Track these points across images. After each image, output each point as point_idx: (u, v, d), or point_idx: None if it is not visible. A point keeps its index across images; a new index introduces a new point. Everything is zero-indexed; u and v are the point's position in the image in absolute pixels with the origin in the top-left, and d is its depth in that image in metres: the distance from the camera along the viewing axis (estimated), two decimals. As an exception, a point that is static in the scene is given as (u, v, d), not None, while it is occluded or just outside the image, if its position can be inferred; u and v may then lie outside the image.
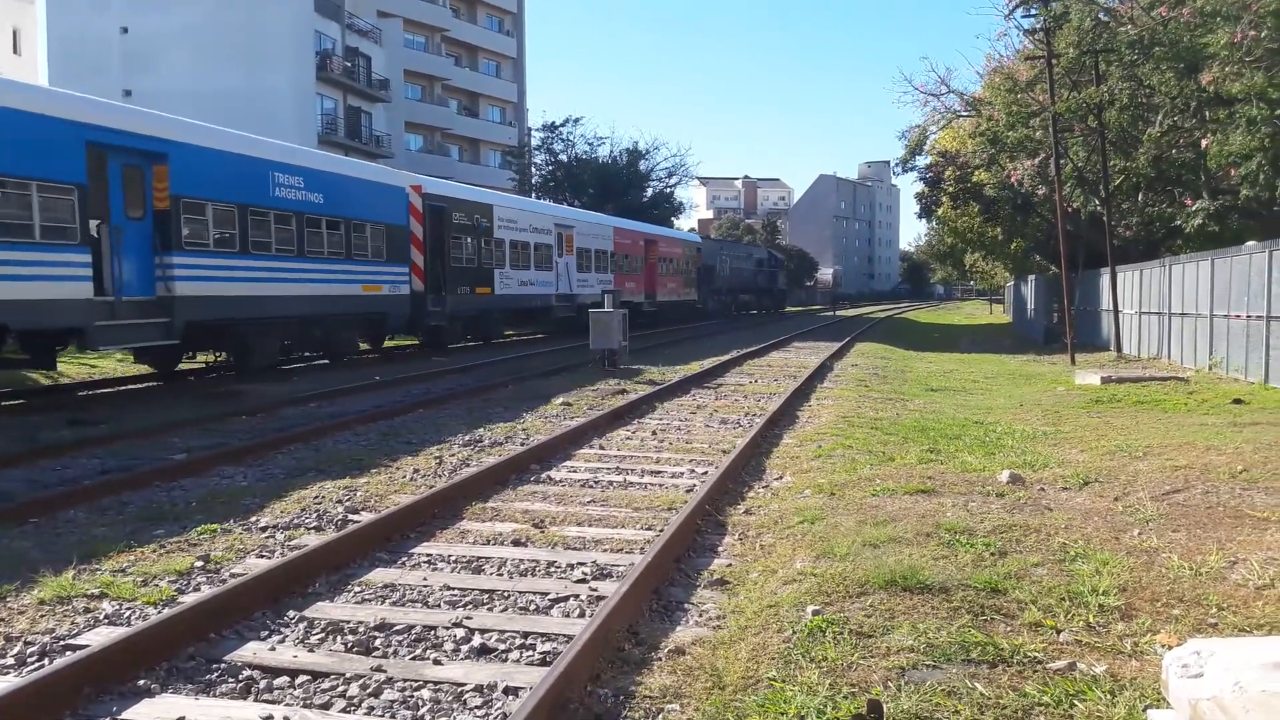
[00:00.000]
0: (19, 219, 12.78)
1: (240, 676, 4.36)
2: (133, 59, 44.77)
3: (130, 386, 16.95)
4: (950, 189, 42.49)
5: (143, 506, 7.61)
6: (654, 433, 11.39)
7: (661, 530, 6.54)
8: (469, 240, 26.35)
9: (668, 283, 43.87)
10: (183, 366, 19.02)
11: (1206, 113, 25.20)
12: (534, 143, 60.58)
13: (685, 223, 75.21)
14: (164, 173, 15.47)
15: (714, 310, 51.07)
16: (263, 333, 18.28)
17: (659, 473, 9.03)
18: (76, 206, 13.60)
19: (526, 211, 31.42)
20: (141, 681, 4.24)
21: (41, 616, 5.10)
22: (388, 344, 24.94)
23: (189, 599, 5.33)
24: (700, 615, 5.18)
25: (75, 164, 13.60)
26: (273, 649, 4.68)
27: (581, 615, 5.13)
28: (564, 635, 4.79)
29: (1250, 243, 18.69)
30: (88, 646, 4.42)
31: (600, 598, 5.32)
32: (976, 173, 36.86)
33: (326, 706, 4.08)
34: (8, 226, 12.64)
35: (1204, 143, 24.47)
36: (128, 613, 5.19)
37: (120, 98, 43.45)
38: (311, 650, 4.67)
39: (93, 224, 14.22)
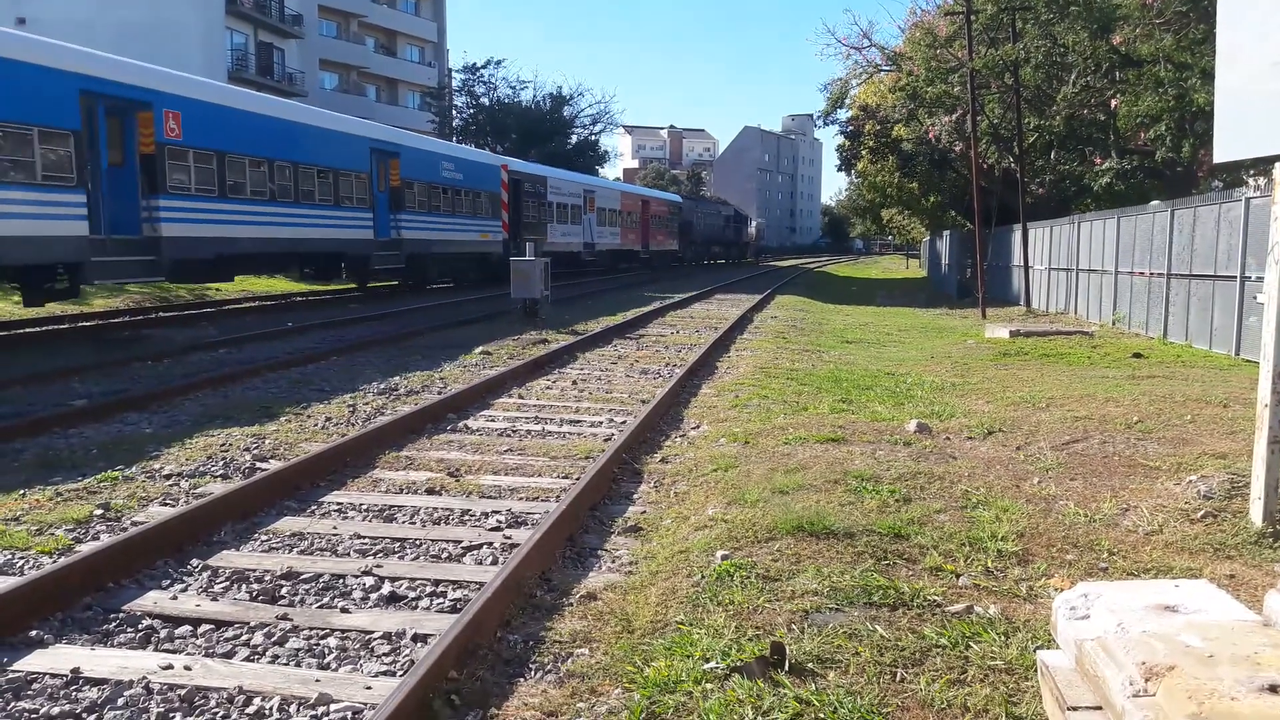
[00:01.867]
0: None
1: (139, 626, 4.26)
2: (27, -17, 42.30)
3: (29, 330, 16.27)
4: (870, 143, 42.89)
5: (39, 454, 7.34)
6: (574, 382, 11.37)
7: (578, 479, 6.55)
8: (531, 203, 35.78)
9: (658, 235, 53.18)
10: (102, 308, 18.54)
11: (1118, 73, 25.82)
12: (454, 85, 59.32)
13: (610, 171, 74.86)
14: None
15: (690, 258, 59.61)
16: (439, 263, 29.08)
17: (578, 422, 9.03)
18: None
19: (565, 180, 40.43)
20: (34, 633, 4.11)
21: (-73, 567, 4.90)
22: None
23: (86, 548, 5.17)
24: (613, 562, 5.21)
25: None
26: (174, 598, 4.58)
27: (494, 563, 5.12)
28: (476, 583, 4.78)
29: (1154, 202, 19.32)
30: (-24, 597, 4.26)
31: (514, 545, 5.32)
32: (896, 127, 37.25)
33: (229, 655, 4.01)
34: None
35: (1114, 103, 25.10)
36: (20, 562, 5.02)
37: (14, 25, 41.12)
38: (215, 599, 4.58)
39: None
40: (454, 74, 60.29)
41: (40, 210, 14.08)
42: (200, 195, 17.90)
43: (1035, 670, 3.53)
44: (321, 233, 22.48)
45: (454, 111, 58.22)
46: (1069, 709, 2.98)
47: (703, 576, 4.68)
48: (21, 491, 6.25)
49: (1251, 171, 18.09)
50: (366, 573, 4.92)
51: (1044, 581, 4.73)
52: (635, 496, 6.52)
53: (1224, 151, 5.19)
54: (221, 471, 6.92)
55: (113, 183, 15.82)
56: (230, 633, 4.22)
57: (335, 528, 5.67)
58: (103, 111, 15.52)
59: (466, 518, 5.92)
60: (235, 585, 4.75)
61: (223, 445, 7.69)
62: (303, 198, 21.55)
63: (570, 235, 39.98)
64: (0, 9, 40.50)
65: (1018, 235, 26.71)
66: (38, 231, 14.04)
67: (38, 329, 16.38)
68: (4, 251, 13.63)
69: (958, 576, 4.75)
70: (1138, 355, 14.27)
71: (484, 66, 57.45)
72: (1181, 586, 3.52)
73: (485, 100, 57.59)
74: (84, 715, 3.50)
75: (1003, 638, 4.01)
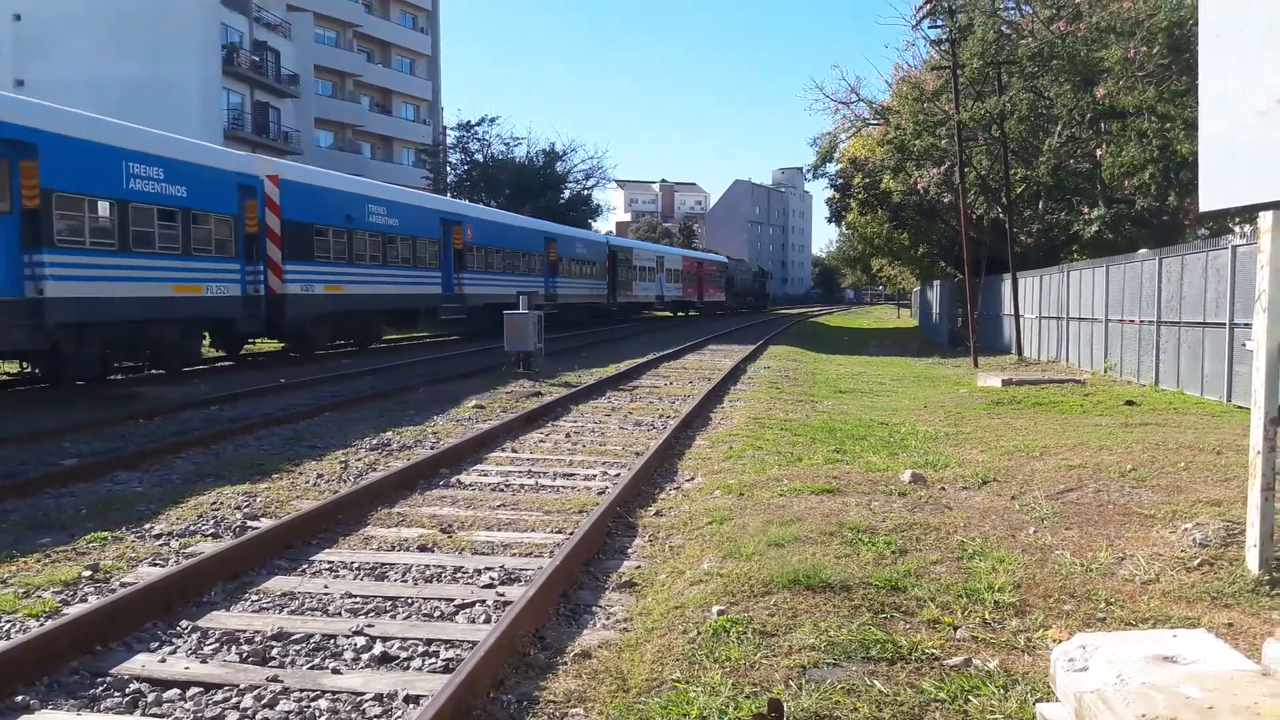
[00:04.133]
0: None
1: (127, 690, 4.20)
2: (27, 46, 42.81)
3: (20, 388, 16.23)
4: (859, 195, 43.32)
5: (28, 514, 7.28)
6: (567, 435, 11.34)
7: (571, 533, 6.51)
8: (623, 267, 49.84)
9: (709, 289, 68.17)
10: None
11: (1102, 124, 26.20)
12: (449, 141, 59.95)
13: (603, 225, 75.65)
14: None
15: (732, 307, 75.07)
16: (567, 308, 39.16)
17: (571, 475, 8.99)
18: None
19: (644, 249, 58.20)
20: (20, 697, 4.05)
21: (-88, 632, 4.84)
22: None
23: (74, 610, 5.11)
24: (607, 618, 5.16)
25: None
26: (163, 660, 4.51)
27: (487, 621, 5.06)
28: (468, 641, 4.73)
29: (1142, 250, 19.49)
30: (-38, 662, 4.20)
31: (507, 603, 5.27)
32: (884, 179, 37.66)
33: (219, 719, 3.95)
34: None
35: (1099, 153, 25.44)
36: (7, 626, 4.96)
37: (12, 88, 41.65)
38: (205, 661, 4.52)
39: None
40: (449, 131, 60.97)
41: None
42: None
43: (1035, 725, 3.49)
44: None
45: (448, 168, 58.77)
46: (1070, 764, 2.94)
47: (699, 632, 4.63)
48: (10, 553, 6.19)
49: (1237, 220, 18.30)
50: (358, 632, 4.86)
51: (1042, 633, 4.69)
52: (629, 551, 6.47)
53: (1209, 200, 5.25)
54: (212, 530, 6.87)
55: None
56: (220, 695, 4.15)
57: (327, 586, 5.61)
58: None
59: (459, 575, 5.87)
60: (225, 646, 4.69)
61: (214, 504, 7.64)
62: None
63: (648, 289, 54.93)
64: (0, 72, 41.03)
65: (1008, 285, 26.89)
66: None
67: (27, 387, 16.33)
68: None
69: (955, 629, 4.71)
70: (1130, 403, 14.30)
71: (478, 124, 58.15)
72: (1180, 636, 3.50)
73: (479, 156, 58.17)
74: (69, 783, 3.44)
75: (1002, 691, 3.97)
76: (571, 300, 41.17)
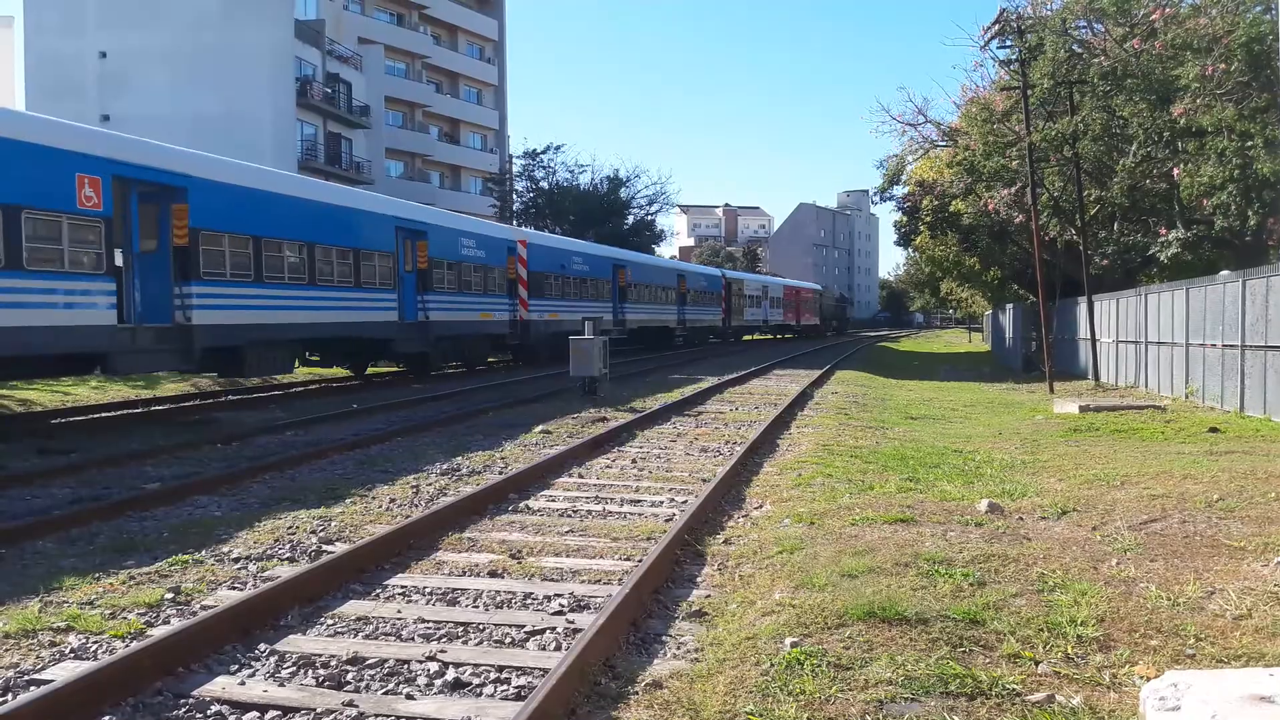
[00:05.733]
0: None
1: (209, 712, 4.28)
2: (110, 82, 44.61)
3: (104, 415, 16.76)
4: (928, 218, 42.83)
5: (113, 537, 7.49)
6: (633, 461, 11.34)
7: (640, 561, 6.49)
8: (733, 295, 57.36)
9: (805, 314, 76.52)
10: (174, 392, 18.96)
11: (1179, 144, 25.56)
12: (515, 170, 60.78)
13: (666, 250, 75.92)
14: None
15: (825, 330, 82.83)
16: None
17: (638, 502, 8.98)
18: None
19: (752, 279, 67.22)
20: (106, 718, 4.14)
21: (5, 650, 4.99)
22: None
23: (157, 632, 5.23)
24: (678, 648, 5.12)
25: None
26: (242, 684, 4.59)
27: (558, 648, 5.06)
28: (539, 669, 4.73)
29: (1224, 272, 18.92)
30: (52, 682, 4.32)
31: (577, 630, 5.26)
32: (953, 202, 37.18)
33: (296, 743, 4.00)
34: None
35: (1176, 173, 24.82)
36: (94, 647, 5.09)
37: (98, 122, 43.28)
38: (282, 685, 4.59)
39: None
40: (515, 159, 61.84)
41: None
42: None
43: (1125, 767, 3.37)
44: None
45: (514, 195, 59.56)
46: (1165, 810, 2.83)
47: (771, 664, 4.57)
48: (96, 575, 6.37)
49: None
50: (431, 658, 4.90)
51: (1128, 669, 4.54)
52: (699, 579, 6.43)
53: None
54: (288, 554, 6.99)
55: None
56: (297, 719, 4.21)
57: (400, 611, 5.67)
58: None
59: (529, 601, 5.89)
60: (302, 670, 4.76)
61: (290, 528, 7.78)
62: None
63: (755, 314, 63.30)
64: (85, 107, 42.71)
65: (1083, 308, 26.30)
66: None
67: (111, 414, 16.86)
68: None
69: (1037, 664, 4.59)
70: (1214, 430, 13.85)
71: (544, 152, 58.90)
72: (1276, 675, 3.36)
73: (544, 184, 58.86)
74: (153, 804, 3.50)
75: (1088, 730, 3.84)
76: (696, 325, 51.21)
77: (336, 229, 20.52)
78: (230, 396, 19.60)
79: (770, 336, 69.61)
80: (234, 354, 17.25)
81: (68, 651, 5.02)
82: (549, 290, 32.33)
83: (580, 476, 10.30)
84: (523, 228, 42.47)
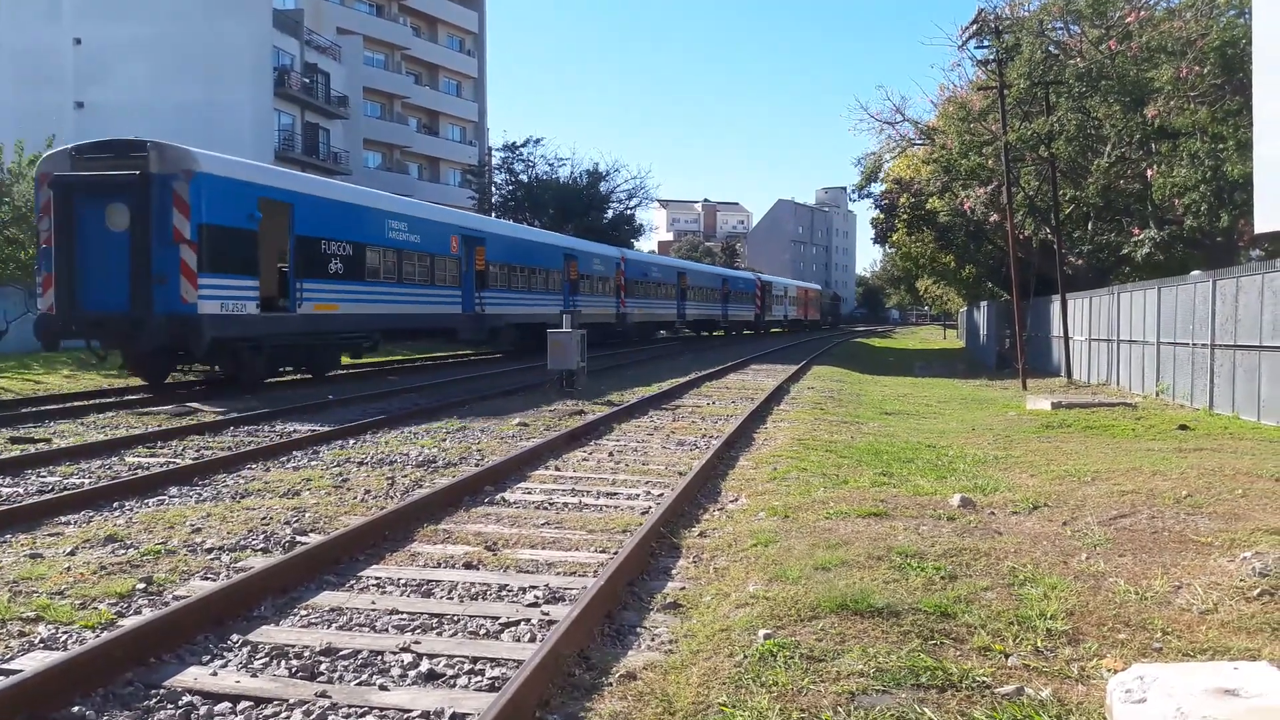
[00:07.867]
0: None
1: (180, 703, 4.25)
2: (86, 71, 44.01)
3: (79, 403, 16.58)
4: (904, 216, 43.07)
5: (84, 527, 7.43)
6: (610, 454, 11.35)
7: (615, 553, 6.51)
8: (766, 296, 69.10)
9: (810, 310, 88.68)
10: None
11: (1152, 145, 25.84)
12: (494, 162, 60.57)
13: (645, 244, 76.31)
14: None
15: (824, 324, 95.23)
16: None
17: (614, 494, 8.99)
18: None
19: (779, 282, 78.64)
20: (76, 708, 4.12)
21: (-27, 641, 4.95)
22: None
23: (129, 622, 5.20)
24: (652, 639, 5.14)
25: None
26: (214, 674, 4.57)
27: (532, 640, 5.07)
28: (514, 660, 4.74)
29: (1195, 272, 19.15)
30: (21, 672, 4.29)
31: (551, 622, 5.27)
32: (930, 200, 37.41)
33: (268, 734, 3.99)
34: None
35: (1149, 174, 25.08)
36: (64, 637, 5.06)
37: (73, 110, 42.71)
38: (255, 675, 4.57)
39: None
40: (494, 152, 61.63)
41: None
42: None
43: (1091, 757, 3.42)
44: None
45: (493, 188, 59.36)
46: (1129, 799, 2.88)
47: (745, 656, 4.60)
48: (67, 565, 6.31)
49: (1294, 241, 17.92)
50: (405, 649, 4.89)
51: (1096, 662, 4.60)
52: (674, 572, 6.45)
53: (1265, 222, 5.17)
54: (262, 545, 6.96)
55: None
56: (269, 710, 4.20)
57: (374, 603, 5.66)
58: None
59: (504, 593, 5.89)
60: (275, 661, 4.74)
61: (264, 519, 7.73)
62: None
63: (779, 312, 74.52)
64: (60, 96, 42.17)
65: (1056, 306, 26.54)
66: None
67: (87, 402, 16.68)
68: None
69: (1007, 656, 4.64)
70: (1184, 427, 14.02)
71: (523, 145, 58.67)
72: (1241, 669, 3.42)
73: (524, 177, 58.70)
74: (123, 794, 3.49)
75: (1056, 721, 3.89)
76: (734, 319, 62.46)
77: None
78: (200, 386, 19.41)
79: (784, 330, 78.97)
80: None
81: (37, 642, 4.98)
82: (637, 293, 43.71)
83: (557, 469, 10.30)
84: (621, 248, 46.72)
